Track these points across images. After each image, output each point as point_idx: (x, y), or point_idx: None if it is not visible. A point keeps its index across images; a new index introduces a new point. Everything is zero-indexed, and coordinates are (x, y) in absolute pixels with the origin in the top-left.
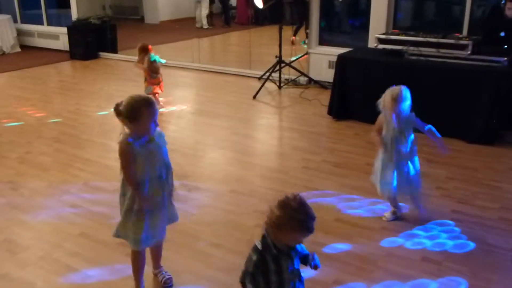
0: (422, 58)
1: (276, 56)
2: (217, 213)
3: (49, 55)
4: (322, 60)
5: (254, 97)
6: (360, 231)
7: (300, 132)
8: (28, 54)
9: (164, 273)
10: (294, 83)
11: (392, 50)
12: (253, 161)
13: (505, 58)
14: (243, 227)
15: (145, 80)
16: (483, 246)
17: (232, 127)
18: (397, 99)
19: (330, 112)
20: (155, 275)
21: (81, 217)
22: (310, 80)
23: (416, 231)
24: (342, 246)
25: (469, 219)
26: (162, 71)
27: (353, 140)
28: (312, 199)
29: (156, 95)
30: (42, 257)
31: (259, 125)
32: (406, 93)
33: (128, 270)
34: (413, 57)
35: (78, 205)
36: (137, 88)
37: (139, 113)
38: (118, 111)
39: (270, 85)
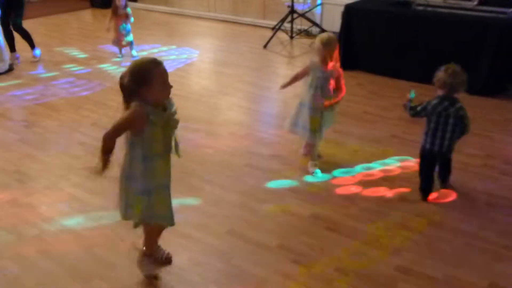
0: (429, 8)
1: (288, 6)
2: (212, 152)
3: (71, 3)
4: (335, 11)
5: (265, 46)
6: (345, 172)
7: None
8: (51, 1)
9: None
10: (307, 33)
11: (399, 0)
12: (254, 107)
13: (511, 10)
14: (234, 166)
15: (114, 29)
16: (461, 190)
17: (239, 75)
18: (326, 43)
19: None
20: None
21: (87, 153)
22: (323, 30)
23: (400, 174)
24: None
25: (453, 165)
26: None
27: (354, 89)
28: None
29: (123, 43)
30: (48, 186)
31: (265, 74)
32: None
33: None
34: (420, 8)
35: (85, 142)
36: (152, 37)
37: (148, 75)
38: (123, 83)
39: (282, 35)
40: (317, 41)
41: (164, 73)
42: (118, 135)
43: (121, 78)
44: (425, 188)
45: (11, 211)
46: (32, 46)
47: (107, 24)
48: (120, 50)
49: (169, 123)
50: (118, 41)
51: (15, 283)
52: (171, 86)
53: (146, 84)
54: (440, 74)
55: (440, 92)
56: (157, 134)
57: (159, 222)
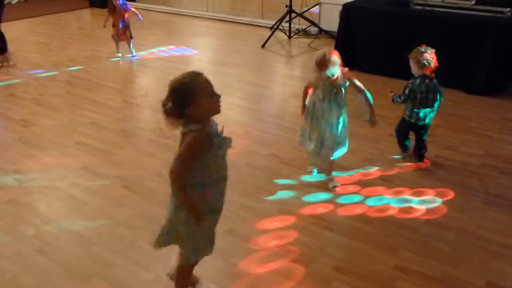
0: (427, 8)
1: (286, 6)
2: None
3: (70, 2)
4: (334, 10)
5: (263, 46)
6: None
7: (303, 80)
8: (50, 1)
9: None
10: (305, 33)
11: None
12: (252, 106)
13: (508, 9)
14: (233, 165)
15: (113, 25)
16: (459, 189)
17: (237, 74)
18: (321, 64)
19: None
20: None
21: (85, 153)
22: (321, 30)
23: (397, 173)
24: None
25: (451, 163)
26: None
27: (352, 88)
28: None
29: (122, 40)
30: (46, 186)
31: (264, 73)
32: (333, 58)
33: (123, 199)
34: (418, 7)
35: (83, 142)
36: (151, 36)
37: (191, 91)
38: (166, 110)
39: (280, 35)
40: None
41: (207, 84)
42: (186, 169)
43: (163, 105)
44: (406, 149)
45: (9, 211)
46: (5, 50)
47: (104, 22)
48: (118, 47)
49: (225, 143)
50: (117, 37)
51: (13, 282)
52: (219, 96)
53: (191, 103)
54: (418, 56)
55: (418, 72)
56: (217, 158)
57: (200, 257)
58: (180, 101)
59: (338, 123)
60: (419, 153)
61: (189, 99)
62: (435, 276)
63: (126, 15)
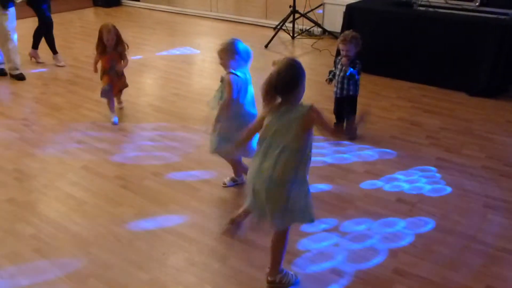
0: (430, 9)
1: (290, 6)
2: None
3: (73, 2)
4: (337, 11)
5: (266, 46)
6: (344, 174)
7: None
8: (54, 0)
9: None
10: (308, 33)
11: (401, 0)
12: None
13: None
14: None
15: (102, 74)
16: (459, 191)
17: None
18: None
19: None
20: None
21: (85, 152)
22: (324, 31)
23: (397, 175)
24: (323, 186)
25: (452, 166)
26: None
27: None
28: None
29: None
30: (46, 185)
31: (267, 74)
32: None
33: (122, 199)
34: (422, 8)
35: (84, 141)
36: (154, 36)
37: (303, 70)
38: (282, 79)
39: (284, 35)
40: None
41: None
42: None
43: (273, 79)
44: (340, 121)
45: (8, 210)
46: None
47: (94, 67)
48: (110, 107)
49: None
50: (109, 89)
51: (10, 281)
52: None
53: (303, 80)
54: (358, 40)
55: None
56: None
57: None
58: (299, 76)
59: None
60: (348, 118)
61: (303, 76)
62: (434, 280)
63: (119, 61)
